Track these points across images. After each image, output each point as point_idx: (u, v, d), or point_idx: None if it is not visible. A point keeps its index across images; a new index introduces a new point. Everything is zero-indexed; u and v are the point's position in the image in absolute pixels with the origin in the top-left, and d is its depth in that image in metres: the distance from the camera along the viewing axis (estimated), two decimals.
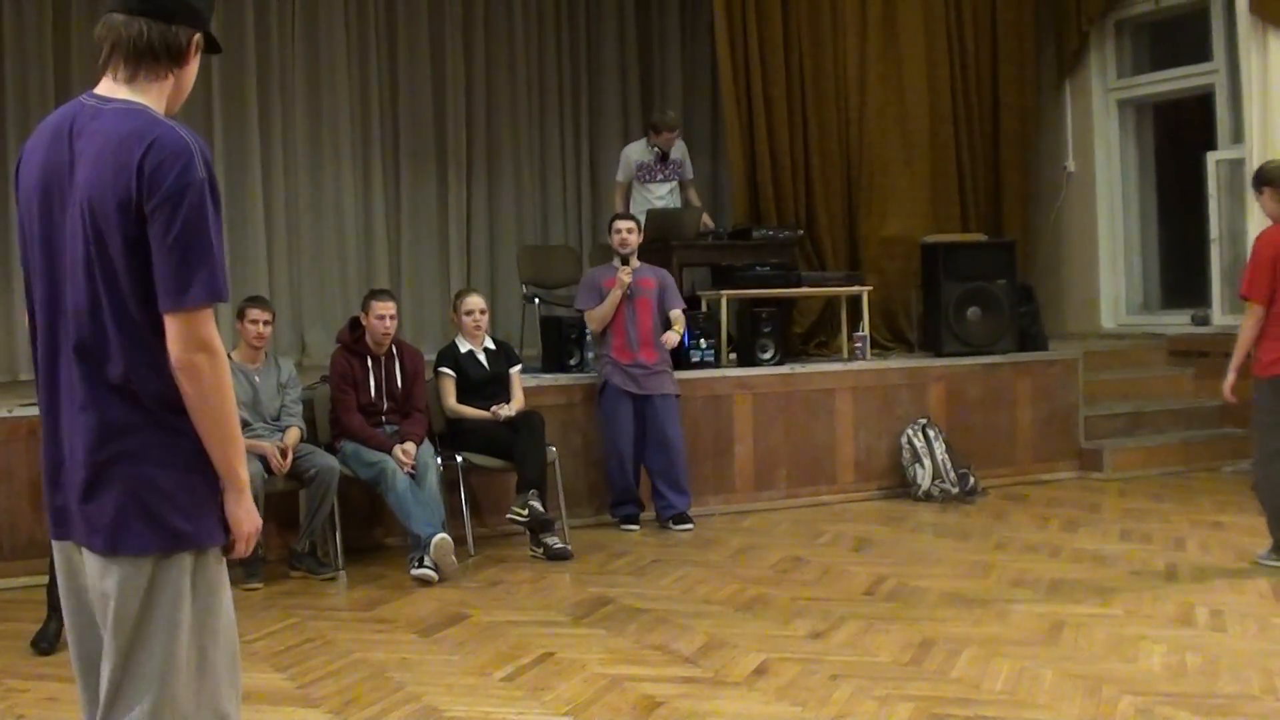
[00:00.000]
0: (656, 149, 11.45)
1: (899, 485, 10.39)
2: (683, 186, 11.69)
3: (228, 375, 3.12)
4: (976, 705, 5.34)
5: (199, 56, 3.26)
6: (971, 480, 10.24)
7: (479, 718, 5.38)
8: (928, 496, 10.15)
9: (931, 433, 10.32)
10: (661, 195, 11.45)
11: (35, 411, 8.04)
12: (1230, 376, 7.68)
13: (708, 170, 13.81)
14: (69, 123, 3.15)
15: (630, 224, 9.56)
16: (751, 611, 6.98)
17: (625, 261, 9.41)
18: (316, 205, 12.68)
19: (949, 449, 10.29)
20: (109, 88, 3.17)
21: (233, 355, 8.11)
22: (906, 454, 10.31)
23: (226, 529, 3.22)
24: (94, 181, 3.03)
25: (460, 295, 9.19)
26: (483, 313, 8.97)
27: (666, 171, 11.51)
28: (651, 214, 10.88)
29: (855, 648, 6.22)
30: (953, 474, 10.19)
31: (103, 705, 3.14)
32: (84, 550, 3.18)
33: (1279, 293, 7.45)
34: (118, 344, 3.08)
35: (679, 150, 11.65)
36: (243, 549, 3.27)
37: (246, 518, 3.24)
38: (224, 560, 3.25)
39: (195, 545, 3.15)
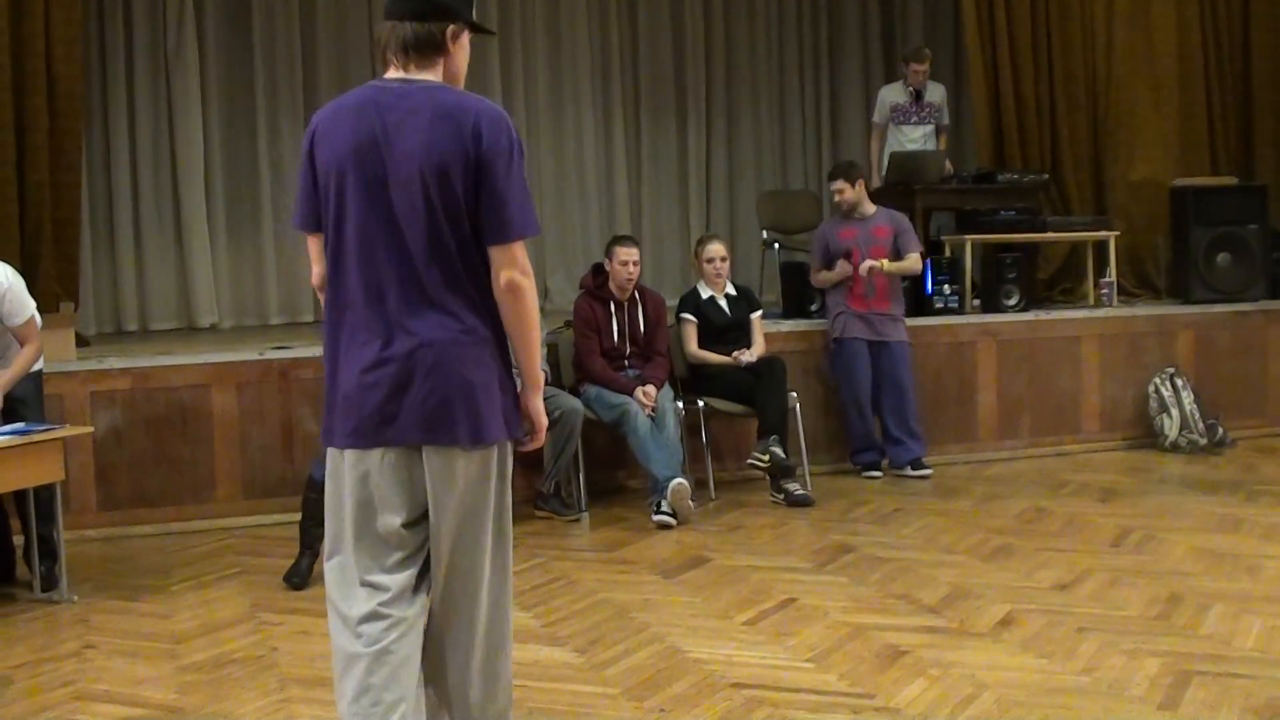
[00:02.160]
0: (911, 89, 11.35)
1: (1145, 435, 10.20)
2: (938, 131, 11.58)
3: (536, 297, 3.87)
4: (1227, 662, 5.25)
5: (464, 43, 3.90)
6: (1220, 431, 10.00)
7: (722, 660, 5.45)
8: (1174, 447, 9.94)
9: (1179, 382, 10.10)
10: (915, 139, 11.35)
11: (285, 355, 8.40)
12: None
13: (950, 113, 13.63)
14: (372, 102, 3.78)
15: (840, 184, 9.35)
16: (995, 562, 6.94)
17: (847, 216, 9.34)
18: (558, 153, 12.83)
19: (1197, 399, 10.05)
20: (399, 74, 3.83)
21: None
22: (1153, 403, 10.10)
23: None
24: (432, 144, 3.70)
25: (702, 242, 9.22)
26: (724, 260, 9.00)
27: (922, 114, 11.40)
28: (894, 156, 10.80)
29: (1102, 600, 6.15)
30: (1201, 424, 9.96)
31: (482, 578, 3.90)
32: (430, 450, 3.79)
33: None
34: (456, 274, 3.77)
35: (937, 93, 11.53)
36: (541, 439, 4.05)
37: (542, 413, 4.00)
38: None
39: (512, 435, 3.90)
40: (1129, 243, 11.37)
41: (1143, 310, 10.67)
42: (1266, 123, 12.39)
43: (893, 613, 6.07)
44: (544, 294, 12.39)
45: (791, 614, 6.09)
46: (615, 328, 8.58)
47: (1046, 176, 11.19)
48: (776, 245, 11.67)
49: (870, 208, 9.39)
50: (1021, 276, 10.34)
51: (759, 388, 8.55)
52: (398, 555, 3.85)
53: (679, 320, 8.95)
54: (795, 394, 8.79)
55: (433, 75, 3.83)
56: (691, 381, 8.90)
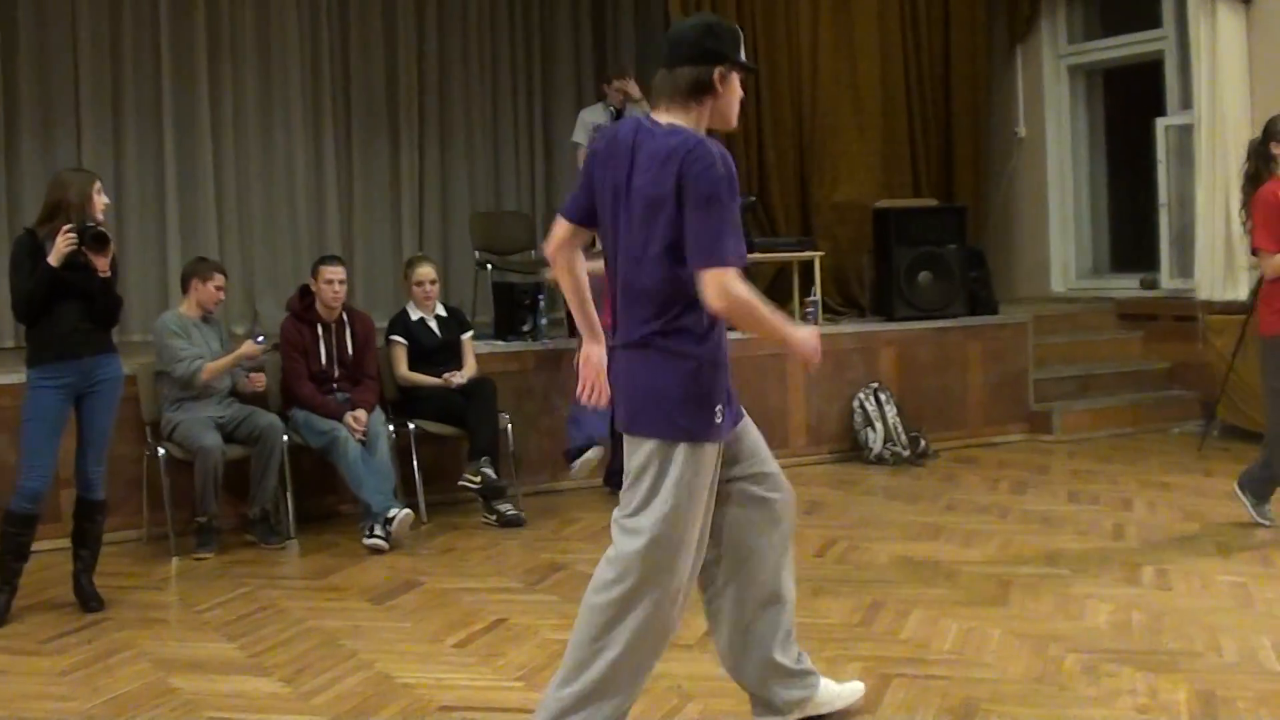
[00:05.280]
0: (612, 109, 11.40)
1: (850, 449, 10.44)
2: None
3: (753, 310, 4.15)
4: (925, 665, 5.41)
5: (733, 84, 4.31)
6: (922, 443, 10.31)
7: (431, 684, 5.40)
8: (879, 460, 10.20)
9: (883, 396, 10.37)
10: None
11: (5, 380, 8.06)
12: None
13: None
14: (632, 138, 4.27)
15: None
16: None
17: None
18: (267, 172, 12.55)
19: (900, 412, 10.34)
20: (661, 116, 4.28)
21: (182, 311, 8.29)
22: (858, 418, 10.35)
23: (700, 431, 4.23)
24: (652, 180, 4.14)
25: (411, 264, 9.15)
26: (433, 283, 8.94)
27: None
28: None
29: (806, 609, 6.21)
30: (904, 437, 10.25)
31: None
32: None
33: None
34: (647, 289, 4.21)
35: (638, 112, 11.60)
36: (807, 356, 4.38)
37: (802, 340, 4.38)
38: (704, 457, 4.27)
39: (689, 438, 4.22)
40: (834, 263, 11.65)
41: (848, 328, 10.92)
42: (965, 148, 12.88)
43: None
44: (253, 316, 12.15)
45: (502, 634, 6.07)
46: (323, 350, 8.46)
47: (754, 199, 11.38)
48: (489, 266, 11.66)
49: None
50: None
51: (470, 409, 8.52)
52: None
53: (389, 342, 8.85)
54: (506, 415, 8.79)
55: (689, 117, 4.24)
56: (402, 404, 8.82)
